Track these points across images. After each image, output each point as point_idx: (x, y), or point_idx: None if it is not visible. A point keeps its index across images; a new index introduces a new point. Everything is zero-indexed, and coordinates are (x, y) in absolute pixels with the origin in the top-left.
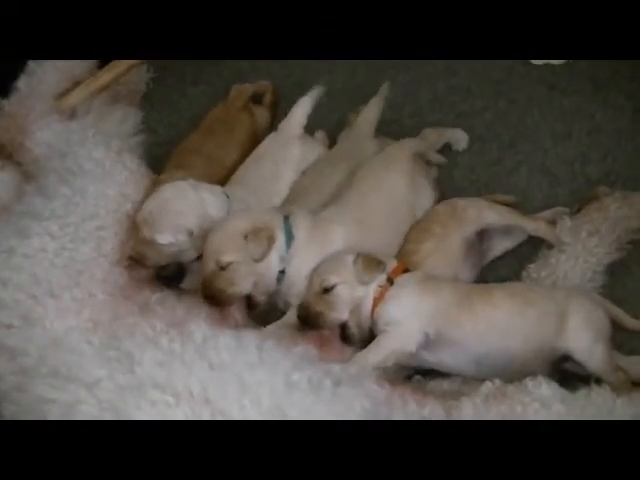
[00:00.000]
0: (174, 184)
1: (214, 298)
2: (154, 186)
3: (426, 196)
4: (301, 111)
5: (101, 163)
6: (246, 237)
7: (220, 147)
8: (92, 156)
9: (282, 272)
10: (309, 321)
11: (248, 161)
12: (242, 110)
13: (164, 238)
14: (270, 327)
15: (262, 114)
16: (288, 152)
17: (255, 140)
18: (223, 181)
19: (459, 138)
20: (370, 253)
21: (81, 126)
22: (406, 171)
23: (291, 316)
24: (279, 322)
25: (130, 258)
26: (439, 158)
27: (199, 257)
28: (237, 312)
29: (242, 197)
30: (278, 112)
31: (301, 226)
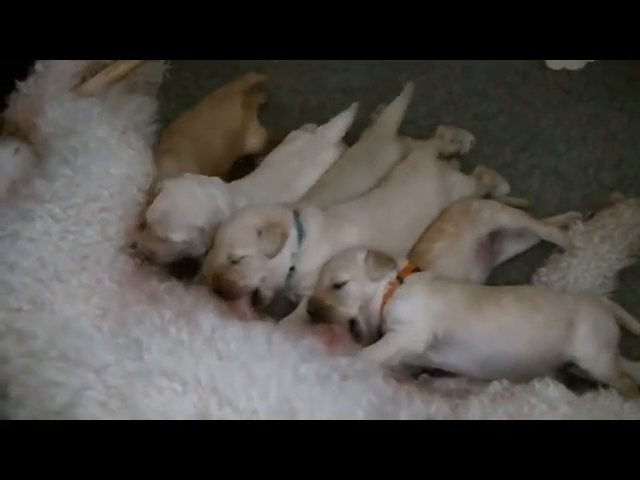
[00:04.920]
0: (181, 182)
1: (224, 290)
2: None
3: (463, 187)
4: (342, 124)
5: (106, 142)
6: (259, 233)
7: (206, 126)
8: (96, 135)
9: (292, 268)
10: (319, 315)
11: (273, 156)
12: (240, 94)
13: (178, 236)
14: (282, 322)
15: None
16: (320, 156)
17: (243, 130)
18: (211, 161)
19: (465, 141)
20: (381, 251)
21: (88, 104)
22: (434, 175)
23: (302, 309)
24: (291, 315)
25: (142, 255)
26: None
27: (207, 252)
28: (245, 305)
29: (250, 191)
30: (293, 110)
31: (312, 223)
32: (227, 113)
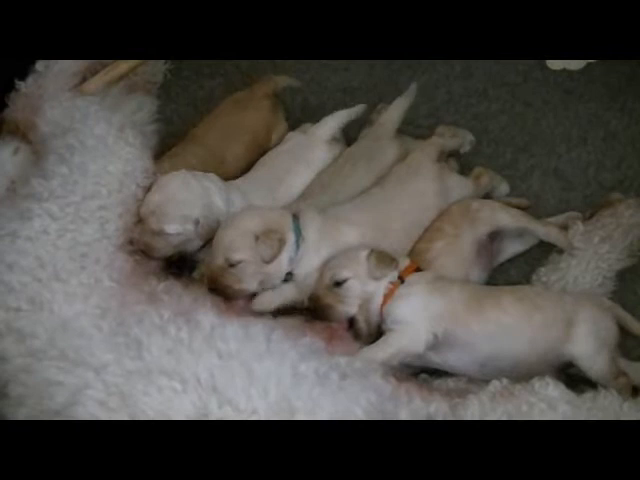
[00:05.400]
0: (175, 175)
1: (219, 292)
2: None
3: (461, 189)
4: (335, 122)
5: (103, 139)
6: (257, 238)
7: (227, 135)
8: (93, 132)
9: (289, 273)
10: (318, 313)
11: (266, 156)
12: (266, 98)
13: (172, 228)
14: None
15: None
16: (313, 154)
17: (266, 137)
18: (222, 165)
19: (465, 141)
20: (383, 250)
21: (86, 102)
22: (433, 177)
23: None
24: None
25: (139, 250)
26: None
27: (203, 246)
28: (242, 302)
29: (246, 190)
30: (294, 110)
31: (311, 227)
32: (253, 121)
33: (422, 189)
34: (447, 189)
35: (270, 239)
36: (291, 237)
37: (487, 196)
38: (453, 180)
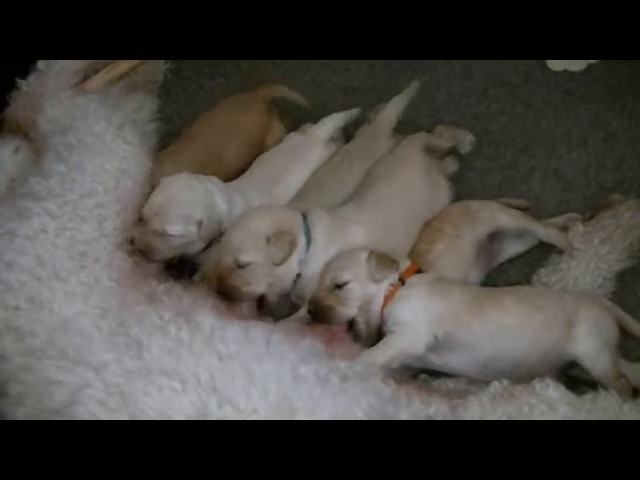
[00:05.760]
0: (178, 176)
1: (227, 294)
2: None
3: (443, 192)
4: (332, 124)
5: (101, 137)
6: (268, 240)
7: (223, 133)
8: (92, 130)
9: (298, 274)
10: (318, 315)
11: (263, 156)
12: (262, 102)
13: (175, 229)
14: (282, 322)
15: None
16: (310, 153)
17: (261, 139)
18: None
19: (465, 141)
20: (384, 252)
21: (86, 101)
22: (421, 168)
23: (304, 312)
24: (291, 318)
25: (139, 251)
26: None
27: (205, 248)
28: (246, 307)
29: (244, 190)
30: (293, 110)
31: (320, 227)
32: (248, 122)
33: (410, 179)
34: (436, 183)
35: (281, 241)
36: (302, 239)
37: (455, 151)
38: (437, 179)
